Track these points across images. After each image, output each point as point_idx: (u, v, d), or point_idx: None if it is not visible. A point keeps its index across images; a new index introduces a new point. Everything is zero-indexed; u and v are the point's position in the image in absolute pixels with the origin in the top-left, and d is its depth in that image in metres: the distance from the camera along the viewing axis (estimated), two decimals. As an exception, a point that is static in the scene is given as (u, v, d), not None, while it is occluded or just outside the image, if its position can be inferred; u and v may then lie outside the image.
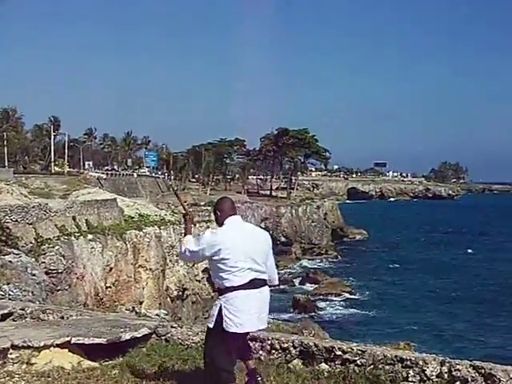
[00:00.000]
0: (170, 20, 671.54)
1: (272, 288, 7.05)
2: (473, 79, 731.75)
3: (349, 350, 7.67)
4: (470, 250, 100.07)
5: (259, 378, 7.04)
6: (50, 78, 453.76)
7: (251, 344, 7.65)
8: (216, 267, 6.62)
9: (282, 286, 70.74)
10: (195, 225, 7.59)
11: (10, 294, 16.27)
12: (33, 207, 31.55)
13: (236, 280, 6.54)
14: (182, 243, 6.98)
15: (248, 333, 6.91)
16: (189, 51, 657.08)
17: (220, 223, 6.89)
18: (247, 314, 6.56)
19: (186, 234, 7.11)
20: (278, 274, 7.28)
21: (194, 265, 48.52)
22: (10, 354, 7.96)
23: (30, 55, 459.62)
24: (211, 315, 6.68)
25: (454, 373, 6.87)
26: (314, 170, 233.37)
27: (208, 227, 53.61)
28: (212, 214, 7.37)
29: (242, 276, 6.56)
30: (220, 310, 6.55)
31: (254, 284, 6.64)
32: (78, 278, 32.75)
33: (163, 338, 9.01)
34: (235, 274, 6.55)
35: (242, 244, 6.66)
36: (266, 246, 6.94)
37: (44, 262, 28.93)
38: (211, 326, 6.63)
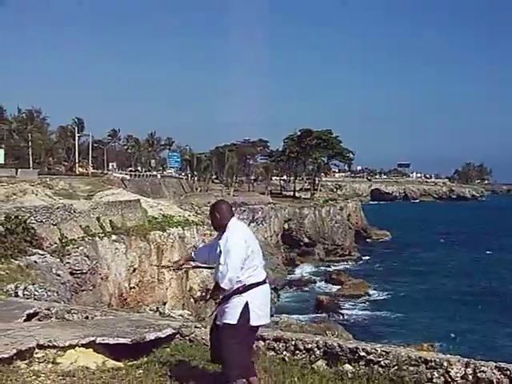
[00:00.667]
0: (191, 26, 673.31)
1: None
2: (497, 80, 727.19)
3: (373, 351, 7.66)
4: (488, 252, 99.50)
5: None
6: (74, 79, 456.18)
7: None
8: (242, 267, 6.79)
9: (305, 287, 70.76)
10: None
11: (35, 295, 16.34)
12: (57, 208, 31.68)
13: (259, 276, 6.89)
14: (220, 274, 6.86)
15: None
16: (209, 55, 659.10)
17: (221, 225, 7.08)
18: (267, 307, 6.98)
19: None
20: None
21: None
22: (36, 353, 8.02)
23: (54, 57, 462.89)
24: (232, 313, 6.81)
25: (478, 374, 6.84)
26: (337, 170, 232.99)
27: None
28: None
29: (262, 272, 6.94)
30: (245, 306, 6.75)
31: (266, 279, 7.03)
32: (102, 279, 32.88)
33: (187, 338, 9.04)
34: (258, 271, 6.89)
35: (256, 243, 7.04)
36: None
37: (68, 263, 29.05)
38: (234, 322, 6.79)
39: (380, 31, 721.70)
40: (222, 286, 6.75)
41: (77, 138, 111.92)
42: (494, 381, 6.69)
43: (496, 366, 6.83)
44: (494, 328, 52.03)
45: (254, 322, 6.83)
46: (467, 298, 64.21)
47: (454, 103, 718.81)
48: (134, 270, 37.16)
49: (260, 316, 6.87)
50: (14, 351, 7.72)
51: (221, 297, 6.95)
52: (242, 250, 6.74)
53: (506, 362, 7.02)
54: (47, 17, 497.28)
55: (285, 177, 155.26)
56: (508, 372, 6.68)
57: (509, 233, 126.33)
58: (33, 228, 26.26)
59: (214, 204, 7.35)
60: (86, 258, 30.95)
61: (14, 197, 36.37)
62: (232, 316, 6.78)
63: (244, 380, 6.87)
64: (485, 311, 58.22)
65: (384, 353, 7.58)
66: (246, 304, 6.76)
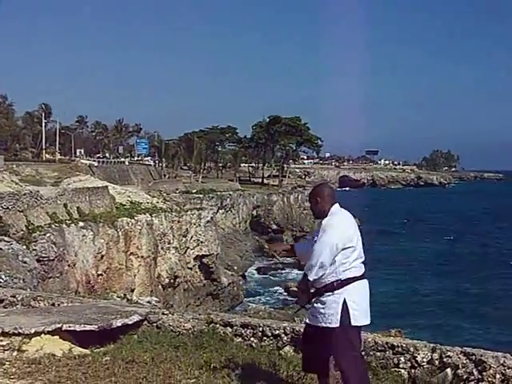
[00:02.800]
0: (163, 11, 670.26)
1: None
2: (465, 69, 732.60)
3: (340, 336, 7.67)
4: (450, 237, 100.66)
5: None
6: (41, 65, 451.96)
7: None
8: (337, 260, 6.04)
9: (273, 274, 70.92)
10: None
11: (0, 282, 16.22)
12: (24, 194, 31.44)
13: (357, 270, 6.13)
14: (306, 260, 6.21)
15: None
16: (178, 41, 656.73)
17: (321, 211, 6.34)
18: (367, 304, 6.23)
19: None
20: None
21: (185, 252, 48.63)
22: (1, 340, 7.95)
23: (21, 43, 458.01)
24: (331, 314, 6.07)
25: (444, 359, 6.89)
26: (305, 157, 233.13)
27: (200, 214, 53.57)
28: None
29: (360, 266, 6.18)
30: (345, 304, 6.02)
31: (365, 274, 6.23)
32: (69, 266, 32.70)
33: (155, 324, 9.00)
34: (356, 265, 6.12)
35: (358, 234, 6.25)
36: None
37: (35, 250, 28.86)
38: (337, 325, 6.04)
39: (358, 14, 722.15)
40: (309, 277, 6.07)
41: (44, 124, 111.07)
42: (460, 365, 6.74)
43: (461, 351, 6.89)
44: (460, 314, 52.52)
45: (359, 322, 6.07)
46: (434, 285, 64.72)
47: (422, 90, 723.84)
48: (102, 256, 37.00)
49: (364, 314, 6.15)
50: (-21, 339, 7.66)
51: (311, 291, 6.19)
52: (337, 237, 6.02)
53: (472, 347, 7.08)
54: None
55: (253, 164, 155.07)
56: (473, 357, 6.74)
57: (473, 219, 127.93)
58: (-1, 215, 26.05)
59: (314, 187, 6.67)
60: (53, 245, 30.77)
61: (-20, 183, 35.99)
62: (331, 318, 6.06)
63: None
64: (454, 297, 58.79)
65: (351, 338, 7.60)
66: (344, 302, 6.02)
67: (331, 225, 6.11)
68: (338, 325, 5.98)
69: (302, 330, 7.71)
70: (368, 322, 6.21)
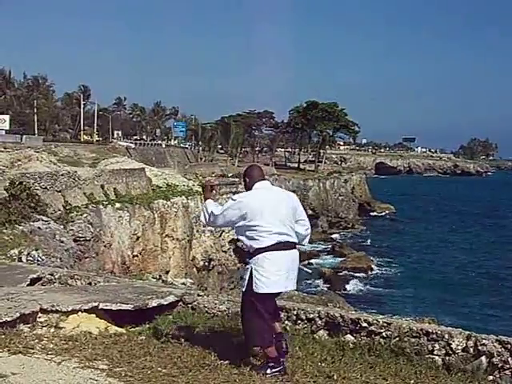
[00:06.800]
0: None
1: (299, 261, 7.05)
2: (505, 54, 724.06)
3: (374, 322, 7.67)
4: (491, 227, 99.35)
5: (284, 342, 6.99)
6: (81, 47, 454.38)
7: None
8: (245, 231, 6.76)
9: (308, 259, 70.70)
10: (215, 192, 7.66)
11: (38, 260, 16.39)
12: (62, 175, 31.70)
13: (265, 242, 6.66)
14: (203, 208, 7.20)
15: (278, 294, 6.98)
16: (217, 24, 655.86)
17: (248, 188, 7.05)
18: (276, 274, 6.68)
19: (205, 200, 7.31)
20: (305, 247, 7.27)
21: (221, 235, 48.71)
22: (39, 317, 8.05)
23: (62, 25, 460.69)
24: (243, 279, 6.88)
25: (479, 347, 6.86)
26: (342, 143, 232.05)
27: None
28: (242, 184, 7.48)
29: (269, 238, 6.67)
30: (251, 272, 6.71)
31: (282, 246, 6.74)
32: (105, 246, 32.96)
33: (189, 305, 9.04)
34: (263, 236, 6.66)
35: (270, 207, 6.79)
36: (292, 209, 7.04)
37: (72, 230, 29.09)
38: (244, 289, 6.81)
39: (393, 3, 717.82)
40: (202, 218, 7.20)
41: (82, 105, 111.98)
42: (495, 353, 6.71)
43: (497, 339, 6.86)
44: (496, 303, 52.16)
45: (259, 289, 6.64)
46: (470, 275, 64.29)
47: (461, 77, 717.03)
48: (138, 238, 37.23)
49: (265, 284, 6.65)
50: (18, 315, 7.75)
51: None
52: (232, 206, 6.83)
53: (507, 335, 7.05)
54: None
55: (290, 148, 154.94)
56: (509, 345, 6.70)
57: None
58: (37, 194, 26.26)
59: (246, 168, 7.42)
60: (89, 226, 31.01)
61: (19, 163, 36.35)
62: (243, 283, 6.89)
63: (258, 348, 6.93)
64: (491, 286, 58.35)
65: (386, 324, 7.59)
66: (251, 271, 6.70)
67: (240, 195, 7.01)
68: (244, 289, 6.80)
69: (336, 314, 7.82)
70: (281, 290, 6.90)
